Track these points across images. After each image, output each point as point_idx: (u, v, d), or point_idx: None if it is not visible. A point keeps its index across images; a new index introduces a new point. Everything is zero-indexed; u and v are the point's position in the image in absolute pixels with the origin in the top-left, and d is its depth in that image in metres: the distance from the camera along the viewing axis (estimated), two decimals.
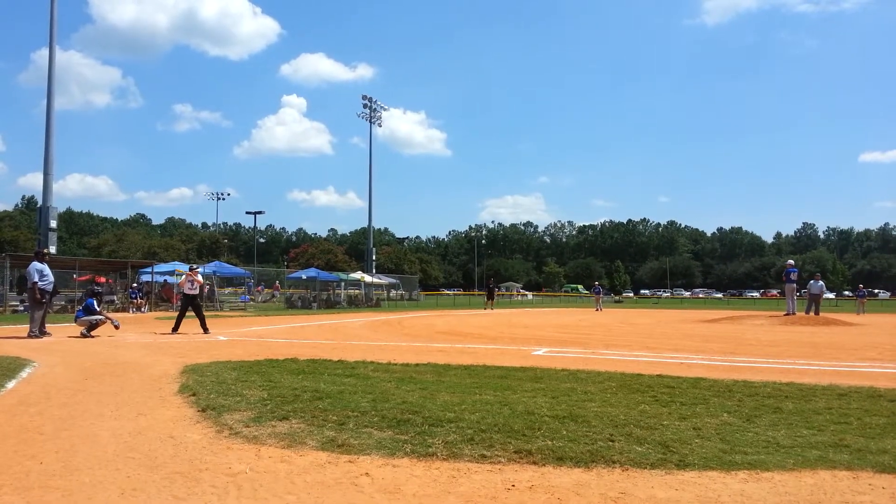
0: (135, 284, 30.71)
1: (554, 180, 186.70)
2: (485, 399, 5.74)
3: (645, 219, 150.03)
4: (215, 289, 32.60)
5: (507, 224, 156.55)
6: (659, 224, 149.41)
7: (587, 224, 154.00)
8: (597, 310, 36.61)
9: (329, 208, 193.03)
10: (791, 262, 24.27)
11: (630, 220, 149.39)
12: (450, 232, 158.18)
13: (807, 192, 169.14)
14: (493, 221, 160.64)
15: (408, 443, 4.28)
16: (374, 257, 59.08)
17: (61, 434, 4.72)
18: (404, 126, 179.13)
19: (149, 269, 33.09)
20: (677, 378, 7.12)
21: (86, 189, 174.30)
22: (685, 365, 8.92)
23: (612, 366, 8.42)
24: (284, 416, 5.09)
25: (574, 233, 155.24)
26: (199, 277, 15.36)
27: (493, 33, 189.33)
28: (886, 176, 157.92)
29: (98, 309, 13.67)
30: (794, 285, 22.94)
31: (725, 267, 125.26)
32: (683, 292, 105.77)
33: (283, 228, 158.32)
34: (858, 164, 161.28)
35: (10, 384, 6.92)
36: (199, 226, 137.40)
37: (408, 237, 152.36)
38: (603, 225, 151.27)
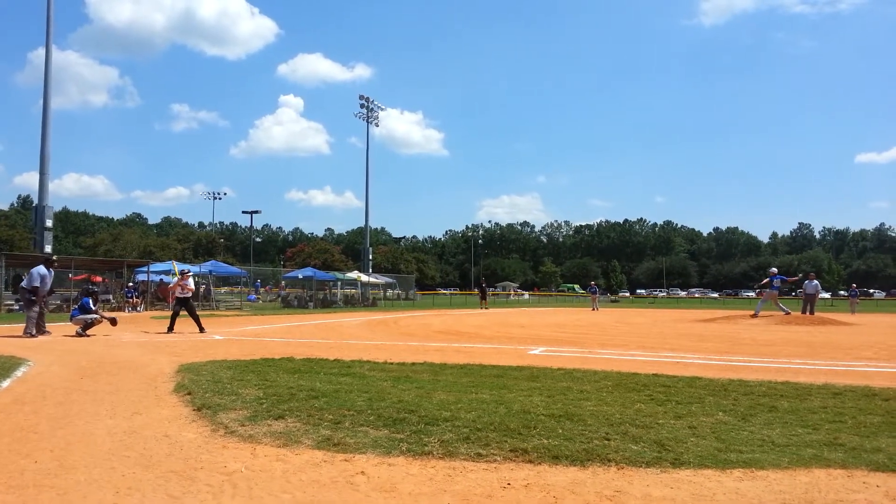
0: (130, 284, 30.63)
1: (551, 180, 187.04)
2: (481, 398, 5.74)
3: (641, 218, 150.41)
4: (211, 288, 32.53)
5: (503, 224, 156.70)
6: (655, 224, 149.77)
7: (584, 224, 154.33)
8: (593, 309, 36.68)
9: (326, 208, 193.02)
10: (775, 269, 24.30)
11: (626, 220, 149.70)
12: (447, 232, 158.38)
13: (803, 193, 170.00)
14: (489, 221, 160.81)
15: (404, 441, 4.28)
16: (370, 257, 59.09)
17: (56, 433, 4.71)
18: (401, 126, 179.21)
19: (144, 269, 33.01)
20: (673, 377, 7.13)
21: (82, 188, 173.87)
22: (681, 364, 8.94)
23: (608, 365, 8.43)
24: (280, 415, 5.08)
25: (571, 232, 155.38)
26: (191, 283, 15.37)
27: (490, 33, 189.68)
28: (882, 176, 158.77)
29: (94, 308, 13.64)
30: (777, 292, 23.01)
31: (721, 267, 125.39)
32: (679, 292, 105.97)
33: (280, 228, 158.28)
34: (855, 164, 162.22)
35: (5, 383, 6.89)
36: (196, 225, 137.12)
37: (404, 237, 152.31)
38: (599, 225, 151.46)
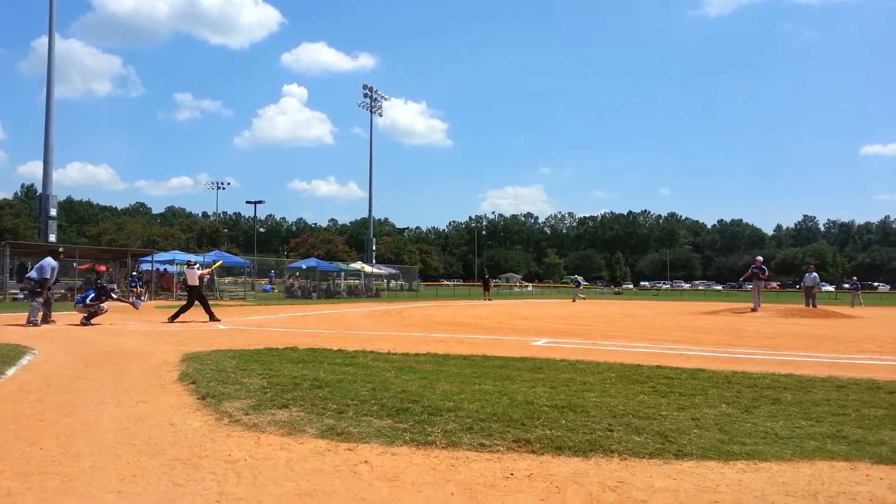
0: (134, 273, 30.72)
1: (555, 172, 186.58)
2: (484, 389, 5.75)
3: (646, 210, 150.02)
4: (215, 277, 32.60)
5: (507, 215, 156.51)
6: (660, 216, 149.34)
7: (588, 216, 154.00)
8: (573, 301, 36.75)
9: (329, 198, 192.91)
10: (760, 258, 24.10)
11: (630, 212, 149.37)
12: (450, 223, 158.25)
13: (807, 185, 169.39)
14: (493, 212, 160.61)
15: (407, 431, 4.29)
16: (374, 247, 59.16)
17: (61, 421, 4.73)
18: (405, 116, 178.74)
19: (148, 258, 33.09)
20: (676, 369, 7.13)
21: (86, 177, 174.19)
22: (684, 356, 8.93)
23: (612, 357, 8.43)
24: (284, 404, 5.10)
25: (574, 224, 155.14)
26: (196, 270, 15.39)
27: (494, 24, 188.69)
28: (887, 168, 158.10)
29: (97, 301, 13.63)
30: (763, 282, 22.65)
31: (726, 259, 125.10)
32: (683, 284, 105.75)
33: (284, 218, 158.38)
34: (860, 156, 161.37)
35: (10, 371, 6.93)
36: (199, 215, 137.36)
37: (408, 228, 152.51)
38: (603, 216, 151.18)
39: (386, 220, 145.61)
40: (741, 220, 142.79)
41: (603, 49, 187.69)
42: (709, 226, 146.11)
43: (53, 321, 13.43)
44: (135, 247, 53.10)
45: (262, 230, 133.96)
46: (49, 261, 13.65)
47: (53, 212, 31.28)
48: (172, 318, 14.26)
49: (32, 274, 13.78)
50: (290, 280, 40.12)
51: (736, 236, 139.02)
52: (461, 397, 5.31)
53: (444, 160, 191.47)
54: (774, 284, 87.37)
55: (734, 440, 4.14)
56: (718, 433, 4.31)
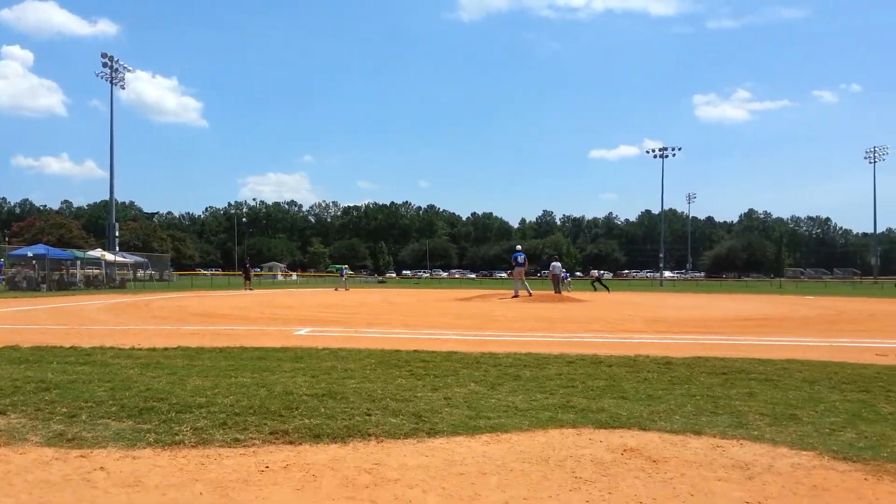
0: None
1: (319, 160, 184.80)
2: (240, 381, 5.53)
3: (407, 202, 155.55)
4: None
5: (269, 202, 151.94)
6: (420, 207, 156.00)
7: (352, 205, 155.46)
8: (335, 289, 37.40)
9: (62, 177, 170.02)
10: (519, 247, 26.10)
11: (393, 203, 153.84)
12: (207, 208, 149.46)
13: (546, 183, 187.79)
14: (254, 199, 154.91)
15: (151, 432, 3.96)
16: (116, 233, 53.44)
17: None
18: (153, 91, 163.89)
19: None
20: (432, 352, 7.50)
21: None
22: (440, 340, 9.44)
23: (373, 343, 8.62)
24: (1, 410, 4.41)
25: (339, 213, 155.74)
26: None
27: (253, 3, 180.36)
28: (611, 171, 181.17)
29: None
30: (522, 269, 24.15)
31: (478, 249, 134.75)
32: (441, 273, 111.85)
33: (4, 199, 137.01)
34: (589, 159, 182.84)
35: None
36: None
37: (158, 212, 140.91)
38: (367, 206, 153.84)
39: (132, 203, 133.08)
40: (492, 213, 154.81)
41: (365, 42, 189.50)
42: (464, 218, 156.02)
43: None
44: None
45: None
46: None
47: None
48: None
49: None
50: (14, 270, 34.76)
51: (487, 228, 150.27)
52: (215, 392, 5.05)
53: (199, 141, 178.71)
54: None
55: (480, 415, 4.47)
56: (467, 410, 4.62)
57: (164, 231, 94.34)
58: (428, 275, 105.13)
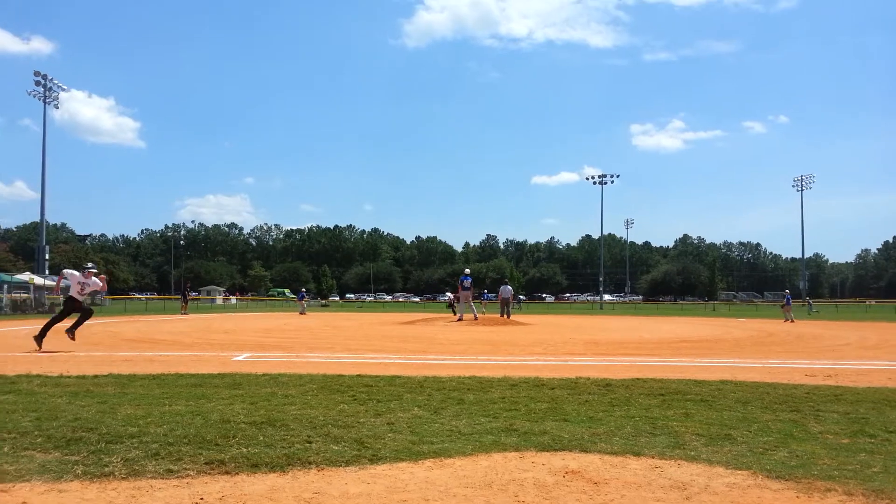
0: None
1: (261, 182, 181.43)
2: (175, 410, 5.33)
3: (351, 225, 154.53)
4: None
5: (209, 225, 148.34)
6: (364, 231, 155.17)
7: (295, 228, 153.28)
8: (299, 313, 36.88)
9: None
10: (467, 270, 26.37)
11: (337, 226, 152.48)
12: (143, 231, 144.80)
13: (490, 207, 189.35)
14: (193, 221, 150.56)
15: (79, 464, 3.78)
16: (47, 256, 51.19)
17: None
18: (89, 111, 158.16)
19: None
20: (375, 377, 7.42)
21: None
22: (383, 364, 9.35)
23: (315, 368, 8.47)
24: None
25: (281, 236, 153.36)
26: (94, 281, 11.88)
27: (196, 23, 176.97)
28: (552, 196, 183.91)
29: None
30: (469, 292, 24.13)
31: (423, 273, 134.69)
32: (385, 296, 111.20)
33: None
34: (531, 185, 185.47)
35: None
36: None
37: (91, 235, 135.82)
38: (310, 229, 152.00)
39: (63, 225, 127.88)
40: (436, 237, 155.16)
41: (311, 65, 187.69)
42: (408, 242, 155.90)
43: None
44: None
45: None
46: None
47: None
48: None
49: None
50: None
51: (431, 252, 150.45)
52: (147, 421, 4.85)
53: (135, 163, 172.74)
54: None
55: (424, 440, 4.43)
56: (410, 435, 4.57)
57: (97, 254, 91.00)
58: (372, 298, 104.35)
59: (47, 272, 47.48)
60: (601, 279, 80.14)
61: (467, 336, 16.14)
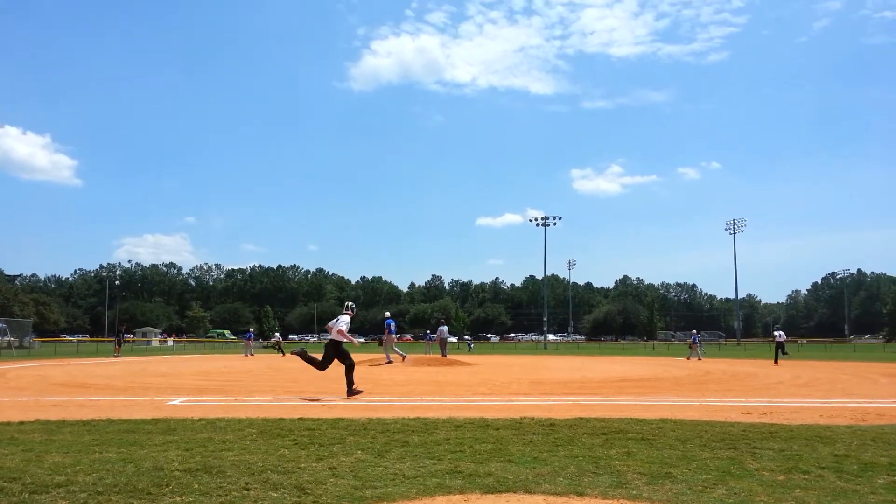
0: None
1: (202, 221, 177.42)
2: (105, 457, 5.10)
3: (295, 265, 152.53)
4: None
5: (146, 264, 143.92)
6: (308, 271, 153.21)
7: (236, 268, 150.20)
8: (245, 355, 35.94)
9: None
10: (388, 314, 26.51)
11: (280, 266, 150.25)
12: (76, 271, 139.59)
13: (436, 248, 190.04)
14: (129, 261, 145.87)
15: None
16: None
17: None
18: (23, 148, 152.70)
19: None
20: (318, 420, 7.27)
21: None
22: (326, 406, 9.17)
23: (255, 412, 8.25)
24: None
25: (222, 276, 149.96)
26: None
27: (139, 61, 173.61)
28: (497, 237, 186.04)
29: None
30: (394, 336, 24.50)
31: (367, 313, 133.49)
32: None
33: None
34: (476, 226, 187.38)
35: None
36: None
37: (21, 275, 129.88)
38: (253, 269, 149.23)
39: None
40: (381, 277, 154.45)
41: (255, 102, 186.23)
42: (353, 282, 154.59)
43: None
44: None
45: None
46: None
47: None
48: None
49: None
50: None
51: (376, 292, 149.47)
52: (76, 469, 4.62)
53: (71, 201, 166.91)
54: (408, 336, 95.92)
55: (367, 485, 4.35)
56: (353, 479, 4.49)
57: (26, 295, 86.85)
58: (316, 339, 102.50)
59: None
60: (545, 319, 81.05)
61: (412, 377, 16.00)
